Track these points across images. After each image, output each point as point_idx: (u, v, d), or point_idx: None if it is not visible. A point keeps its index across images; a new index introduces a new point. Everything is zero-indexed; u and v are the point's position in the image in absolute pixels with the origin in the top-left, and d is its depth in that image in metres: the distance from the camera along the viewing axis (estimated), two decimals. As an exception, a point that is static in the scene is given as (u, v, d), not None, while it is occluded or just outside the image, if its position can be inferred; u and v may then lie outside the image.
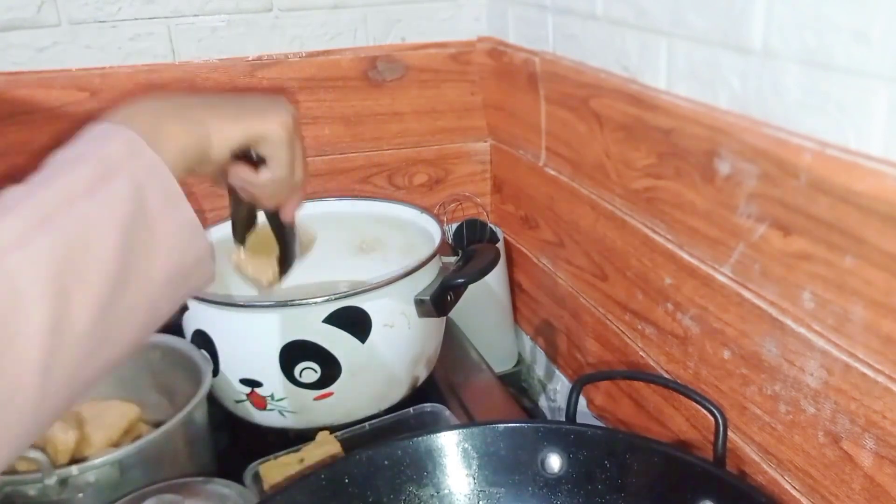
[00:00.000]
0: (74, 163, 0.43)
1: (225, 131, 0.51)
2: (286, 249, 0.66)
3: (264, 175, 0.56)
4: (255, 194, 0.58)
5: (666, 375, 0.74)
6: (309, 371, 0.76)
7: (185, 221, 0.46)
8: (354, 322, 0.75)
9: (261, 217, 0.65)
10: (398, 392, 0.83)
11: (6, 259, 0.38)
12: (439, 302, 0.78)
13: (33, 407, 0.39)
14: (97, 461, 0.65)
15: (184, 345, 0.80)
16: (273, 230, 0.65)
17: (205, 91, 0.52)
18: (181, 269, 0.46)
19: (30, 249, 0.39)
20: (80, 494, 0.65)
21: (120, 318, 0.43)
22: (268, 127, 0.53)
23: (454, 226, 1.11)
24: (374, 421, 0.79)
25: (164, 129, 0.47)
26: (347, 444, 0.74)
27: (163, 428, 0.68)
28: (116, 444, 0.73)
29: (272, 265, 0.67)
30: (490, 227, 1.10)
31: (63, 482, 0.64)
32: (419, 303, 0.78)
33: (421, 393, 0.86)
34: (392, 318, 0.77)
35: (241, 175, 0.56)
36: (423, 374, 0.86)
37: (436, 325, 0.85)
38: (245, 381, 0.78)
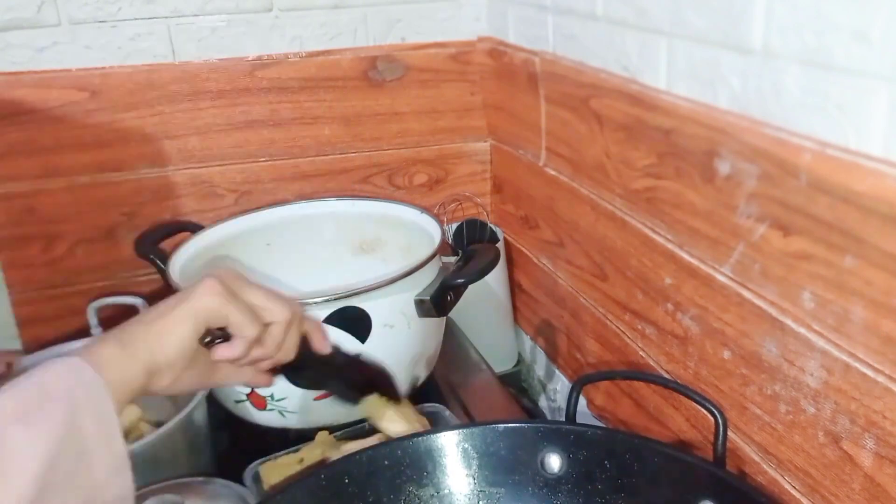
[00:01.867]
0: (12, 387, 0.44)
1: (161, 343, 0.51)
2: (383, 380, 0.69)
3: (240, 345, 0.55)
4: (261, 357, 0.58)
5: (666, 375, 0.74)
6: None
7: (116, 456, 0.47)
8: (354, 322, 0.75)
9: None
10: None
11: None
12: (439, 302, 0.78)
13: None
14: None
15: None
16: (336, 370, 0.66)
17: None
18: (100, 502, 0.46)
19: None
20: None
21: None
22: (192, 305, 0.53)
23: (454, 226, 1.11)
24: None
25: (102, 353, 0.48)
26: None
27: (161, 429, 0.68)
28: None
29: (392, 416, 0.71)
30: (490, 227, 1.10)
31: None
32: (419, 303, 0.78)
33: (421, 393, 0.86)
34: (392, 318, 0.77)
35: (219, 353, 0.56)
36: (423, 374, 0.86)
37: (436, 325, 0.85)
38: None
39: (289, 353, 0.59)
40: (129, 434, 0.76)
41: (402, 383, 0.83)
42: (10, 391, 0.44)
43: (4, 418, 0.42)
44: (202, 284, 0.54)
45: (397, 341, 0.79)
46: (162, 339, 0.51)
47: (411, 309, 0.79)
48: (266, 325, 0.56)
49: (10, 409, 0.43)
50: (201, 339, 0.54)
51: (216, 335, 0.55)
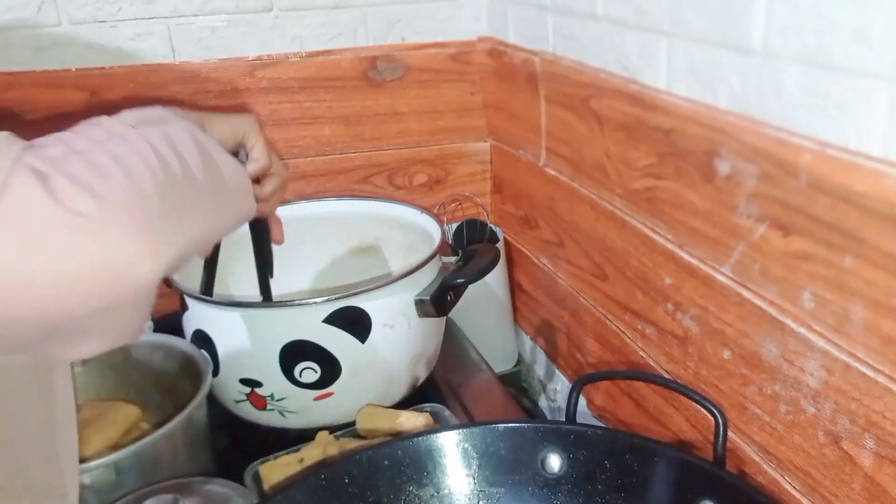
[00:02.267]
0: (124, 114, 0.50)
1: (215, 127, 0.60)
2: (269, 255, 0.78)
3: (249, 167, 0.64)
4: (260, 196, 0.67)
5: (666, 375, 0.74)
6: (309, 371, 0.76)
7: (229, 157, 0.55)
8: (354, 322, 0.75)
9: None
10: (398, 392, 0.83)
11: (143, 129, 0.46)
12: (439, 302, 0.78)
13: (194, 196, 0.47)
14: (92, 463, 0.65)
15: (184, 345, 0.80)
16: (256, 240, 0.77)
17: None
18: (238, 187, 0.55)
19: (152, 130, 0.47)
20: None
21: (218, 197, 0.51)
22: (243, 119, 0.63)
23: (454, 226, 1.11)
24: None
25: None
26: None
27: (160, 430, 0.68)
28: (117, 446, 0.73)
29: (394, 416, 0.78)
30: (490, 227, 1.10)
31: None
32: (419, 303, 0.78)
33: (421, 393, 0.86)
34: (392, 318, 0.77)
35: None
36: (423, 374, 0.86)
37: (436, 325, 0.85)
38: (245, 381, 0.78)
39: (272, 206, 0.71)
40: (128, 434, 0.76)
41: (403, 381, 0.83)
42: (123, 114, 0.51)
43: (154, 119, 0.50)
44: (243, 112, 0.66)
45: (397, 341, 0.79)
46: (212, 120, 0.60)
47: (411, 309, 0.79)
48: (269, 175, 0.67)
49: (151, 113, 0.51)
50: None
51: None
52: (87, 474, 0.65)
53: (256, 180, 0.66)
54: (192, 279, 0.81)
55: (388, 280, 0.76)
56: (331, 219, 0.98)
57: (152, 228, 0.40)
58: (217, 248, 0.75)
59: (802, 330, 0.55)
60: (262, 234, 0.77)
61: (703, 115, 0.61)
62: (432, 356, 0.88)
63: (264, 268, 0.78)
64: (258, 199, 0.66)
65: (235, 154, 0.63)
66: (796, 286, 0.55)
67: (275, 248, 0.92)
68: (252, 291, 0.84)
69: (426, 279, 0.80)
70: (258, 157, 0.65)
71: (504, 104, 1.03)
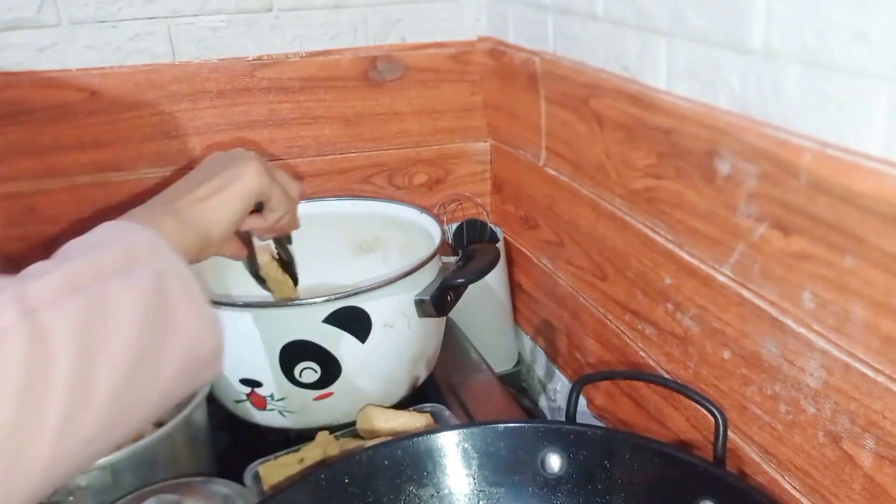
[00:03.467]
0: (99, 247, 0.45)
1: (219, 219, 0.56)
2: (292, 265, 0.81)
3: (271, 218, 0.66)
4: (274, 229, 0.69)
5: (666, 375, 0.74)
6: (309, 371, 0.76)
7: (204, 315, 0.48)
8: (354, 322, 0.75)
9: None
10: (398, 392, 0.83)
11: (40, 315, 0.39)
12: (439, 302, 0.78)
13: (42, 469, 0.39)
14: None
15: None
16: (280, 251, 0.80)
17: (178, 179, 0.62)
18: (196, 359, 0.48)
19: (61, 309, 0.40)
20: (71, 498, 0.64)
21: (135, 396, 0.43)
22: (247, 185, 0.59)
23: (454, 226, 1.11)
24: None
25: (163, 225, 0.51)
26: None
27: (161, 429, 0.68)
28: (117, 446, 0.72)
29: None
30: (490, 227, 1.10)
31: None
32: (419, 303, 0.78)
33: (421, 393, 0.86)
34: (392, 318, 0.77)
35: (254, 225, 0.67)
36: (423, 374, 0.86)
37: (436, 325, 0.85)
38: (245, 381, 0.78)
39: (294, 223, 0.72)
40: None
41: (403, 381, 0.83)
42: (98, 251, 0.45)
43: (103, 274, 0.43)
44: (249, 165, 0.61)
45: (397, 341, 0.79)
46: (217, 216, 0.56)
47: (411, 309, 0.79)
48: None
49: (108, 265, 0.44)
50: None
51: None
52: (82, 476, 0.64)
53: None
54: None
55: (388, 280, 0.76)
56: (331, 219, 0.98)
57: None
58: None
59: (802, 330, 0.55)
60: (282, 247, 0.80)
61: (703, 115, 0.61)
62: (432, 356, 0.88)
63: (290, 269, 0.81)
64: (280, 229, 0.69)
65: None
66: (796, 286, 0.55)
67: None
68: (252, 291, 0.84)
69: (426, 279, 0.80)
70: (275, 206, 0.65)
71: (504, 104, 1.03)
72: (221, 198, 0.57)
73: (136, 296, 0.43)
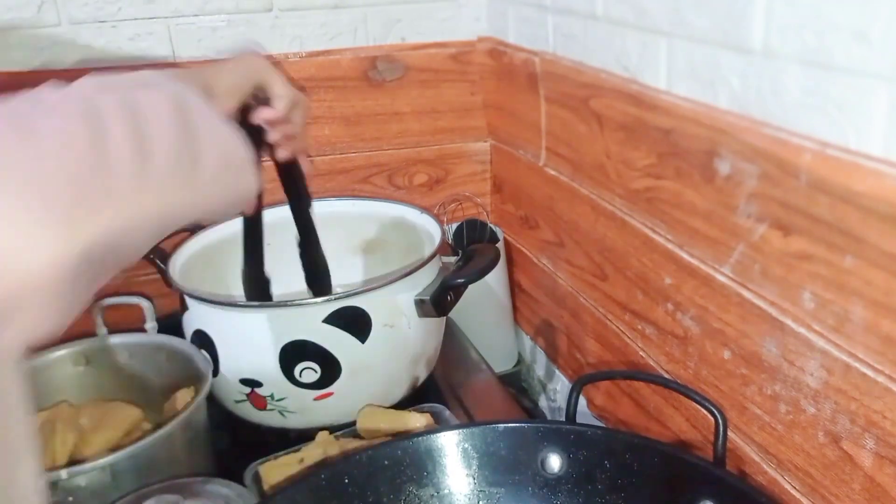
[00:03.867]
0: (110, 78, 0.46)
1: (218, 76, 0.59)
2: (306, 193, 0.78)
3: (279, 105, 0.64)
4: (287, 127, 0.66)
5: (666, 375, 0.74)
6: (309, 371, 0.76)
7: (226, 126, 0.50)
8: (354, 322, 0.75)
9: None
10: (398, 392, 0.83)
11: (86, 96, 0.42)
12: (439, 302, 0.78)
13: (134, 181, 0.41)
14: (87, 465, 0.65)
15: (185, 346, 0.80)
16: (290, 183, 0.77)
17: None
18: (230, 161, 0.50)
19: (102, 97, 0.42)
20: (71, 498, 0.65)
21: (185, 178, 0.45)
22: (251, 62, 0.62)
23: (454, 226, 1.11)
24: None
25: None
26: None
27: (157, 432, 0.68)
28: (117, 447, 0.73)
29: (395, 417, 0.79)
30: (490, 227, 1.10)
31: (53, 485, 0.63)
32: (419, 303, 0.78)
33: (421, 393, 0.86)
34: (392, 318, 0.77)
35: (265, 115, 0.64)
36: (423, 374, 0.86)
37: (436, 325, 0.86)
38: (245, 381, 0.78)
39: (304, 140, 0.70)
40: (130, 435, 0.76)
41: (403, 381, 0.83)
42: (111, 77, 0.46)
43: (125, 85, 0.45)
44: (248, 53, 0.63)
45: (397, 341, 0.79)
46: (219, 74, 0.58)
47: (411, 309, 0.79)
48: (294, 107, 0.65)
49: (125, 82, 0.45)
50: (243, 111, 0.62)
51: (253, 104, 0.63)
52: (82, 476, 0.65)
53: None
54: (192, 280, 0.81)
55: (388, 280, 0.76)
56: (331, 219, 0.98)
57: (50, 215, 0.36)
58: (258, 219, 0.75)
59: (802, 330, 0.55)
60: (297, 177, 0.76)
61: (703, 115, 0.61)
62: (432, 356, 0.88)
63: (303, 209, 0.79)
64: (290, 138, 0.67)
65: (259, 100, 0.62)
66: (796, 286, 0.55)
67: (274, 249, 0.92)
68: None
69: (426, 279, 0.80)
70: (280, 92, 0.63)
71: (504, 104, 1.03)
72: (222, 66, 0.60)
73: (163, 99, 0.45)
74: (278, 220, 0.96)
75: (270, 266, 0.96)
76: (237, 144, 0.51)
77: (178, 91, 0.48)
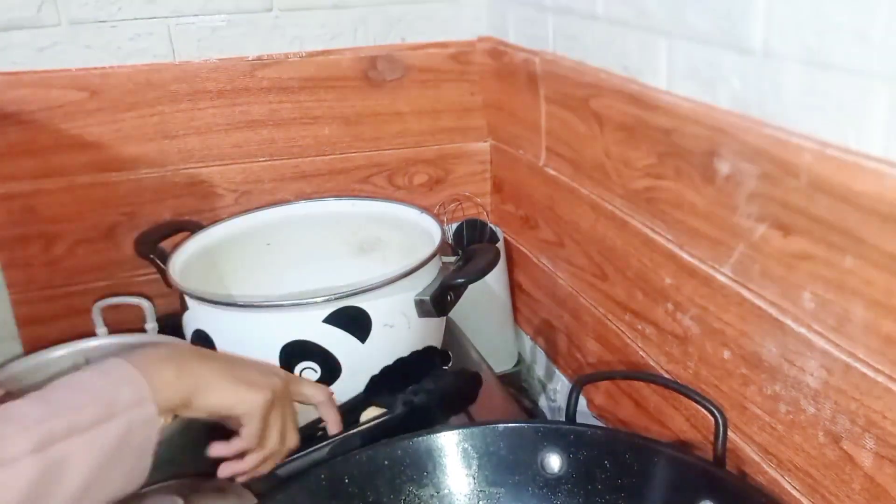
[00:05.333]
0: (89, 402, 0.53)
1: (208, 397, 0.60)
2: None
3: (235, 443, 0.63)
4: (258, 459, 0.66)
5: (666, 375, 0.74)
6: (309, 371, 0.76)
7: (142, 468, 0.56)
8: (354, 322, 0.75)
9: None
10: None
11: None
12: (439, 302, 0.78)
13: None
14: None
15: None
16: None
17: (212, 356, 0.67)
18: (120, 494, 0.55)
19: (17, 470, 0.48)
20: None
21: None
22: (242, 407, 0.62)
23: (454, 226, 1.11)
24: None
25: (163, 375, 0.57)
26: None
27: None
28: None
29: None
30: (490, 227, 1.10)
31: None
32: (419, 303, 0.78)
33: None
34: (392, 318, 0.77)
35: (228, 448, 0.64)
36: None
37: (436, 325, 0.85)
38: None
39: (291, 441, 0.67)
40: None
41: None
42: (84, 400, 0.53)
43: (72, 431, 0.51)
44: (265, 391, 0.63)
45: (397, 341, 0.79)
46: (210, 394, 0.60)
47: (411, 309, 0.79)
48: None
49: (82, 423, 0.51)
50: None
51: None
52: None
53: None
54: (192, 280, 0.81)
55: (388, 280, 0.76)
56: (331, 219, 0.98)
57: None
58: None
59: (802, 330, 0.55)
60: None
61: (703, 115, 0.61)
62: None
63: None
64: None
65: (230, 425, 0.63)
66: (796, 286, 0.55)
67: (275, 248, 0.92)
68: (252, 291, 0.84)
69: (426, 279, 0.80)
70: (246, 438, 0.63)
71: (504, 104, 1.03)
72: (222, 385, 0.61)
73: (97, 452, 0.52)
74: (278, 220, 0.97)
75: (271, 266, 0.96)
76: (141, 478, 0.57)
77: (135, 427, 0.54)
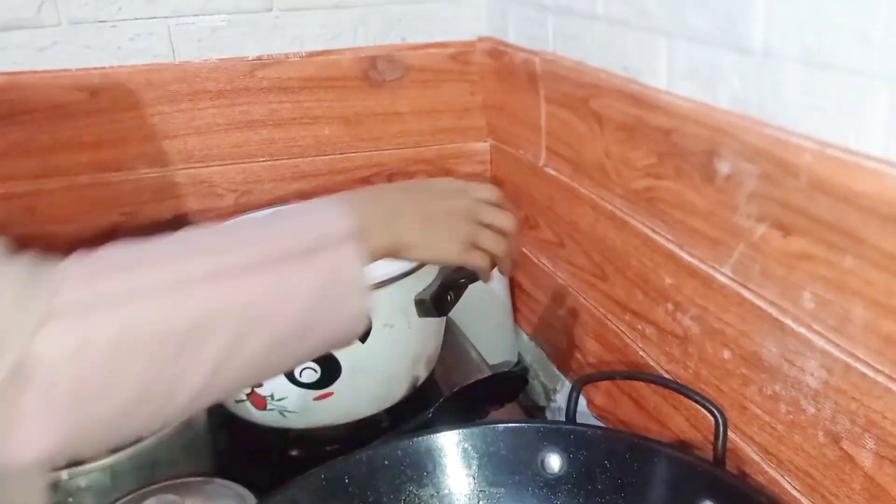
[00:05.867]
0: (300, 229, 0.49)
1: (410, 253, 0.56)
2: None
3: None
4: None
5: (666, 375, 0.74)
6: (309, 371, 0.76)
7: (360, 308, 0.51)
8: None
9: None
10: (398, 392, 0.83)
11: (219, 285, 0.44)
12: (439, 302, 0.78)
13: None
14: (87, 466, 0.65)
15: None
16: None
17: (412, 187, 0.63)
18: (334, 342, 0.52)
19: (232, 286, 0.44)
20: (71, 499, 0.65)
21: (257, 367, 0.47)
22: (443, 259, 0.59)
23: (454, 226, 1.11)
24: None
25: (373, 228, 0.53)
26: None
27: (157, 434, 0.68)
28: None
29: None
30: (490, 227, 1.10)
31: (53, 487, 0.64)
32: (419, 303, 0.78)
33: (421, 393, 0.86)
34: (392, 318, 0.77)
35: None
36: (423, 374, 0.86)
37: (436, 325, 0.85)
38: None
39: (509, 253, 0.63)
40: None
41: (403, 381, 0.83)
42: (292, 227, 0.49)
43: (284, 256, 0.46)
44: (459, 240, 0.59)
45: (397, 341, 0.79)
46: (411, 251, 0.56)
47: (411, 309, 0.78)
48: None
49: (292, 247, 0.47)
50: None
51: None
52: (82, 477, 0.65)
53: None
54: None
55: (388, 280, 0.76)
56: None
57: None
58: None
59: (802, 330, 0.55)
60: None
61: (703, 115, 0.61)
62: (432, 356, 0.88)
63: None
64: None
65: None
66: (796, 286, 0.55)
67: None
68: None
69: (426, 279, 0.80)
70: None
71: (504, 104, 1.03)
72: (423, 238, 0.57)
73: (307, 285, 0.47)
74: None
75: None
76: (359, 323, 0.51)
77: (343, 264, 0.49)
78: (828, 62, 0.48)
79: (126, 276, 0.43)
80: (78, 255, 0.43)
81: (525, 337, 1.12)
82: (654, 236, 0.72)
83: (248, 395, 0.78)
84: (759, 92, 0.55)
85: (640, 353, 0.79)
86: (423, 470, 0.67)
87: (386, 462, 0.66)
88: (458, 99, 1.07)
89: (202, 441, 0.76)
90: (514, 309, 1.14)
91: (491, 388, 0.81)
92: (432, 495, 0.67)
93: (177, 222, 0.96)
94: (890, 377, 0.49)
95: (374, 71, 1.03)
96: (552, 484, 0.67)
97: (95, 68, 0.92)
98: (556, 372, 1.02)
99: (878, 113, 0.46)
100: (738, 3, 0.55)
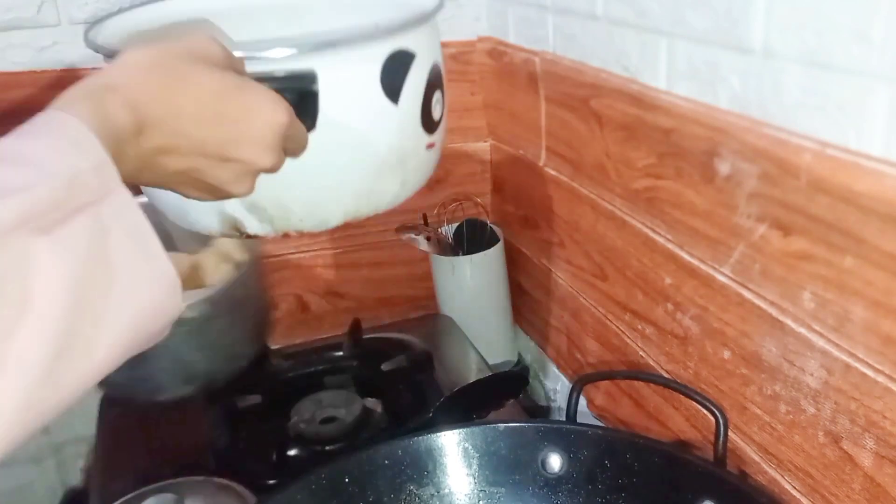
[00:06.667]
0: (35, 175, 0.35)
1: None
2: None
3: None
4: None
5: (666, 375, 0.74)
6: None
7: (156, 274, 0.38)
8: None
9: None
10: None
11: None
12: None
13: None
14: (192, 300, 0.69)
15: None
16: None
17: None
18: (144, 337, 0.38)
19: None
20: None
21: (57, 386, 0.34)
22: (277, 117, 0.46)
23: (454, 226, 1.11)
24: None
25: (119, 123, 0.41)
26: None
27: (242, 270, 0.74)
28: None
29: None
30: (490, 227, 1.10)
31: None
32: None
33: (421, 393, 0.86)
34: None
35: None
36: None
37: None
38: None
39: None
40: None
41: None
42: (27, 184, 0.34)
43: (22, 226, 0.33)
44: (271, 97, 0.46)
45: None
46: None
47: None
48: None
49: (29, 213, 0.33)
50: None
51: None
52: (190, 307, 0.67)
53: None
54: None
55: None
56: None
57: None
58: None
59: (802, 330, 0.55)
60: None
61: (703, 115, 0.61)
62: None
63: None
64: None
65: None
66: (796, 286, 0.55)
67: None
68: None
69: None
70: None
71: (504, 104, 1.03)
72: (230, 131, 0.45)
73: (62, 270, 0.33)
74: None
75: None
76: (168, 298, 0.39)
77: (109, 221, 0.36)
78: (828, 62, 0.48)
79: None
80: None
81: (525, 337, 1.12)
82: (654, 236, 0.72)
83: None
84: (758, 92, 0.55)
85: (640, 353, 0.79)
86: (423, 469, 0.67)
87: (386, 462, 0.66)
88: (458, 99, 1.07)
89: (202, 441, 0.76)
90: (514, 309, 1.14)
91: (491, 388, 0.81)
92: (432, 495, 0.67)
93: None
94: (890, 377, 0.49)
95: (374, 71, 1.03)
96: (552, 484, 0.67)
97: (95, 68, 0.92)
98: (556, 372, 1.02)
99: (878, 113, 0.46)
100: (738, 3, 0.55)
